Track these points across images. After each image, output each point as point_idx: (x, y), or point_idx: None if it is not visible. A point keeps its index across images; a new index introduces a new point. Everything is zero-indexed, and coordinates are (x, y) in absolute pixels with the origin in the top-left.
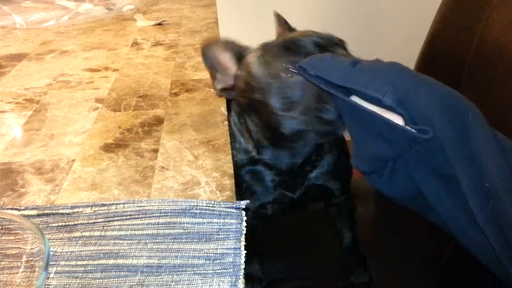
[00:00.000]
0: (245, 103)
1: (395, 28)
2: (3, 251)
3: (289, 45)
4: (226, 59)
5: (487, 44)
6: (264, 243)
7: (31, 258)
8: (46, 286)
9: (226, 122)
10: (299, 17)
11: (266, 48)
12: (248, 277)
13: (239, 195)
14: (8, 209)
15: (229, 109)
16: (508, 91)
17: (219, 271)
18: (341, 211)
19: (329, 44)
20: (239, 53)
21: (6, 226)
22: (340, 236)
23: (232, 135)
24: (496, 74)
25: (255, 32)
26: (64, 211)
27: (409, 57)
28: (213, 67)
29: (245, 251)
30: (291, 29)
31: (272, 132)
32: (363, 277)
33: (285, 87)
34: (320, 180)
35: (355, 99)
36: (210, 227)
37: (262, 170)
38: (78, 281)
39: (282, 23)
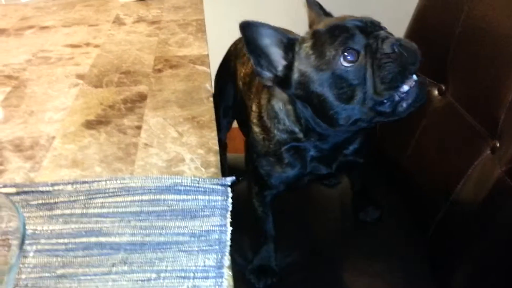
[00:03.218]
0: (301, 95)
1: (381, 3)
2: None
3: (336, 31)
4: (270, 45)
5: (474, 20)
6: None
7: (7, 237)
8: (26, 265)
9: (211, 99)
10: None
11: (316, 37)
12: (260, 269)
13: (275, 167)
14: None
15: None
16: (495, 65)
17: (204, 248)
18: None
19: (370, 27)
20: (287, 41)
21: None
22: (352, 185)
23: (274, 118)
24: (483, 49)
25: (241, 9)
26: (44, 188)
27: (396, 32)
28: (255, 51)
29: (257, 239)
30: (326, 13)
31: (327, 120)
32: (372, 214)
33: (341, 75)
34: (351, 156)
35: None
36: (195, 204)
37: (306, 147)
38: (59, 259)
39: (314, 7)
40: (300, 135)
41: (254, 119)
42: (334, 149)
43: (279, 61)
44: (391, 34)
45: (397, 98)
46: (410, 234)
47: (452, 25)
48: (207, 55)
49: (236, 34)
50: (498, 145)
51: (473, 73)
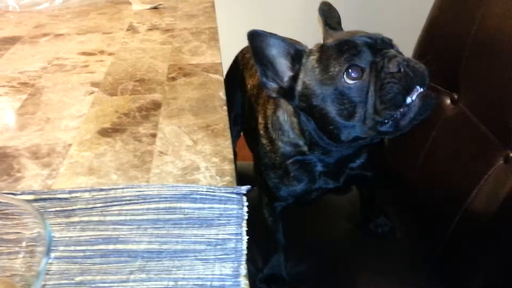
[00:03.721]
0: (303, 107)
1: (393, 13)
2: (0, 236)
3: (344, 46)
4: (277, 56)
5: (487, 30)
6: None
7: (31, 243)
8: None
9: (225, 107)
10: (295, 2)
11: (323, 50)
12: (271, 278)
13: (282, 180)
14: (4, 193)
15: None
16: (508, 75)
17: (220, 256)
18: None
19: (379, 44)
20: (294, 52)
21: (3, 211)
22: (361, 194)
23: (279, 129)
24: (496, 60)
25: (252, 16)
26: (61, 196)
27: (407, 42)
28: (261, 62)
29: (267, 248)
30: (332, 27)
31: (328, 135)
32: (384, 226)
33: (343, 92)
34: (357, 170)
35: None
36: (211, 212)
37: (312, 161)
38: (77, 266)
39: (325, 19)
40: (304, 148)
41: (261, 130)
42: (339, 163)
43: (285, 72)
44: (401, 53)
45: (398, 116)
46: (420, 245)
47: (464, 34)
48: (220, 63)
49: (247, 42)
50: (511, 155)
51: (486, 82)
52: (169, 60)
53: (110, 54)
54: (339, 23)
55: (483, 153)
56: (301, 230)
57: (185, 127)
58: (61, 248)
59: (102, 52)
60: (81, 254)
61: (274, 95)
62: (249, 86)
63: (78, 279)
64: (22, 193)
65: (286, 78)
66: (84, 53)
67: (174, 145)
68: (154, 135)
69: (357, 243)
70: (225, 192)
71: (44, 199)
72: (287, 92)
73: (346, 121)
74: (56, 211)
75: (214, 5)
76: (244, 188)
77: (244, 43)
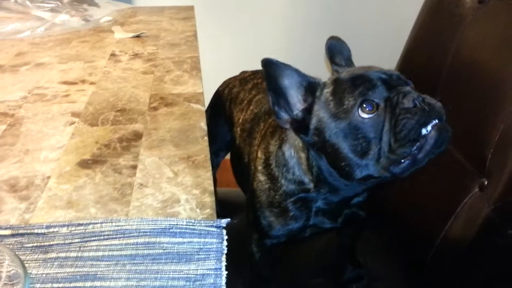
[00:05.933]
0: (316, 142)
1: (369, 44)
2: None
3: (358, 80)
4: (289, 87)
5: (461, 60)
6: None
7: (6, 282)
8: None
9: (206, 138)
10: (278, 33)
11: (337, 83)
12: None
13: (278, 219)
14: None
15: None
16: (482, 104)
17: None
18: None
19: (394, 81)
20: (307, 84)
21: None
22: (341, 238)
23: (283, 166)
24: (470, 89)
25: (235, 46)
26: (39, 230)
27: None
28: (274, 90)
29: (250, 279)
30: (338, 64)
31: (340, 172)
32: (361, 281)
33: (357, 126)
34: (353, 208)
35: None
36: (191, 247)
37: (314, 198)
38: None
39: (332, 57)
40: (310, 186)
41: (259, 166)
42: (342, 202)
43: (296, 104)
44: (415, 91)
45: (416, 151)
46: (405, 270)
47: (439, 65)
48: (202, 93)
49: (229, 72)
50: (486, 183)
51: (460, 111)
52: (150, 89)
53: (91, 83)
54: (349, 58)
55: (459, 180)
56: (284, 259)
57: (166, 158)
58: (38, 285)
59: (83, 81)
60: None
61: (286, 126)
62: (240, 120)
63: None
64: None
65: (296, 110)
66: (65, 82)
67: (155, 177)
68: (134, 167)
69: (339, 270)
70: (205, 226)
71: (22, 234)
72: (301, 125)
73: (359, 159)
74: (33, 246)
75: (197, 35)
76: (224, 221)
77: (226, 73)
